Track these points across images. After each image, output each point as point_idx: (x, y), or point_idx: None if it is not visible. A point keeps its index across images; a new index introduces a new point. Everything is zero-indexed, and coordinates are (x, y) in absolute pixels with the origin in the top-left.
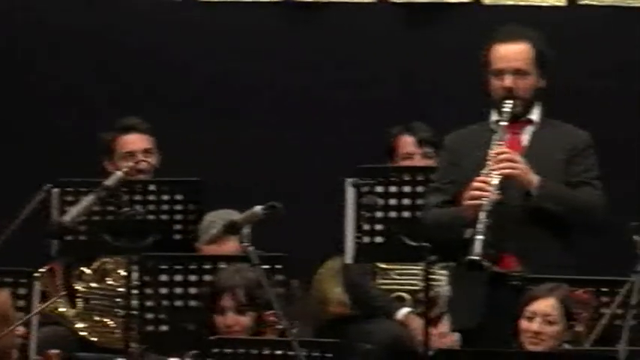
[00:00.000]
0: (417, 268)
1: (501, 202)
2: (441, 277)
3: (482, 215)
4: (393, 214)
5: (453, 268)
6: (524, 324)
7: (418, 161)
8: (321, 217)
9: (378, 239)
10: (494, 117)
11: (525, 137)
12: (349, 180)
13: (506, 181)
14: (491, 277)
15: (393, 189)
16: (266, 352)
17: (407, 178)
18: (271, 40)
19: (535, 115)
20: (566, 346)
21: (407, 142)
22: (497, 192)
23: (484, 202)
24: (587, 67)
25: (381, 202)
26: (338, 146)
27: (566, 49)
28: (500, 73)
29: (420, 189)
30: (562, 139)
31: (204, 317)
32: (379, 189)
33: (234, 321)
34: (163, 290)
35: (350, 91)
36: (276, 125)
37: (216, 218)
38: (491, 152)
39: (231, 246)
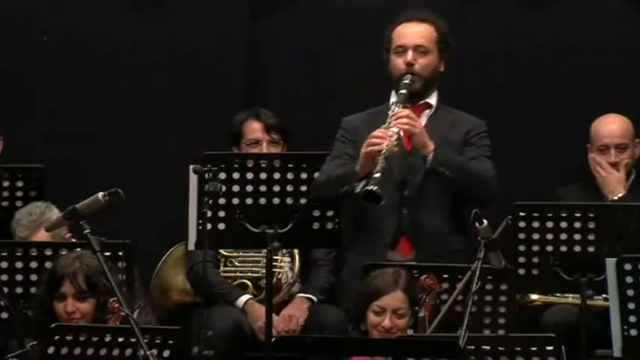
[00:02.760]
0: (260, 255)
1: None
2: (284, 263)
3: (380, 159)
4: (235, 200)
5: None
6: (373, 318)
7: (265, 147)
8: (166, 204)
9: (221, 226)
10: (392, 98)
11: (423, 120)
12: (192, 166)
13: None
14: None
15: (236, 175)
16: (108, 338)
17: (250, 165)
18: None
19: (433, 99)
20: (410, 332)
21: (254, 129)
22: (395, 143)
23: (383, 147)
24: None
25: (223, 188)
26: (184, 132)
27: None
28: (401, 48)
29: (263, 176)
30: (459, 122)
31: (44, 304)
32: (222, 175)
33: (74, 307)
34: (4, 277)
35: (198, 76)
36: (121, 110)
37: (22, 215)
38: (391, 113)
39: (40, 236)
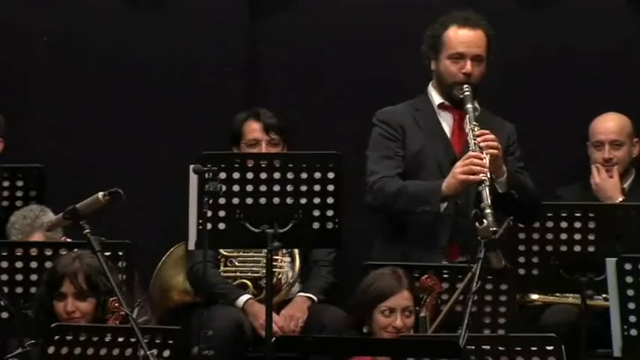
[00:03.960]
0: (260, 255)
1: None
2: (284, 263)
3: (485, 189)
4: (235, 200)
5: None
6: (382, 320)
7: (264, 147)
8: (167, 204)
9: (221, 226)
10: (432, 92)
11: (467, 126)
12: (192, 166)
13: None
14: None
15: (236, 175)
16: (108, 338)
17: (250, 164)
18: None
19: (476, 103)
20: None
21: (253, 129)
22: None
23: (483, 176)
24: None
25: (223, 188)
26: (184, 132)
27: None
28: (459, 55)
29: (263, 176)
30: (498, 129)
31: (44, 304)
32: (222, 175)
33: (74, 307)
34: (4, 277)
35: (198, 76)
36: (121, 110)
37: (16, 219)
38: (472, 131)
39: (36, 237)
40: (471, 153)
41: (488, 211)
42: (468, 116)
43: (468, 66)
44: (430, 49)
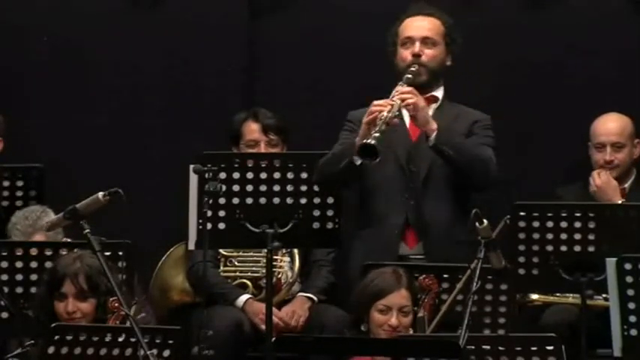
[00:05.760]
0: (260, 255)
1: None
2: (284, 263)
3: (380, 122)
4: (235, 200)
5: None
6: (378, 317)
7: (263, 148)
8: (167, 204)
9: (221, 226)
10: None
11: (429, 112)
12: (192, 166)
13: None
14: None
15: (236, 175)
16: (108, 338)
17: (250, 164)
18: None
19: (440, 92)
20: (410, 332)
21: (252, 129)
22: (396, 114)
23: (384, 113)
24: None
25: (223, 188)
26: (184, 132)
27: None
28: (408, 40)
29: (263, 176)
30: (464, 116)
31: (45, 304)
32: (222, 175)
33: (75, 307)
34: (4, 277)
35: (198, 76)
36: (120, 110)
37: (18, 219)
38: (394, 91)
39: (37, 238)
40: (375, 102)
41: (375, 134)
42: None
43: (416, 47)
44: (391, 46)
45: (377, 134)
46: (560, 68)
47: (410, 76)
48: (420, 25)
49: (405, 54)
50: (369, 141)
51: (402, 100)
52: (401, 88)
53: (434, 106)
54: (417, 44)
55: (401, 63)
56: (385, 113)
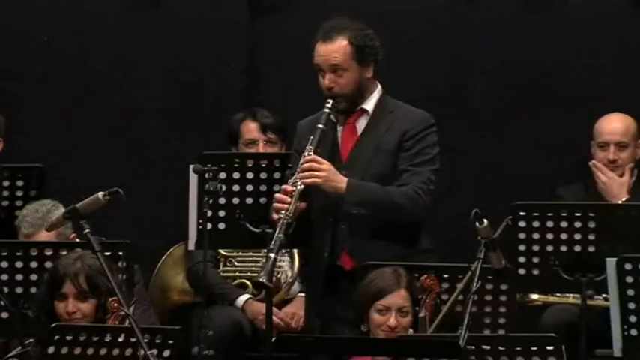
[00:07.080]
0: (260, 255)
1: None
2: (283, 263)
3: (278, 232)
4: (235, 200)
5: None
6: (377, 317)
7: (262, 147)
8: (167, 204)
9: (221, 226)
10: (328, 104)
11: (360, 127)
12: (192, 166)
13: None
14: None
15: (236, 175)
16: (108, 338)
17: (250, 164)
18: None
19: (369, 104)
20: (410, 332)
21: (250, 129)
22: (296, 205)
23: (282, 218)
24: None
25: (223, 188)
26: (184, 132)
27: None
28: (318, 67)
29: (263, 176)
30: (396, 125)
31: (45, 304)
32: (222, 175)
33: (76, 307)
34: (4, 277)
35: (198, 76)
36: (120, 110)
37: (28, 212)
38: (301, 160)
39: (45, 235)
40: (283, 187)
41: (270, 255)
42: (311, 138)
43: (326, 80)
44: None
45: (272, 254)
46: (560, 68)
47: (327, 111)
48: (327, 55)
49: (322, 83)
50: (260, 279)
51: (303, 184)
52: (302, 161)
53: (364, 118)
54: (327, 76)
55: (322, 89)
56: (282, 215)
